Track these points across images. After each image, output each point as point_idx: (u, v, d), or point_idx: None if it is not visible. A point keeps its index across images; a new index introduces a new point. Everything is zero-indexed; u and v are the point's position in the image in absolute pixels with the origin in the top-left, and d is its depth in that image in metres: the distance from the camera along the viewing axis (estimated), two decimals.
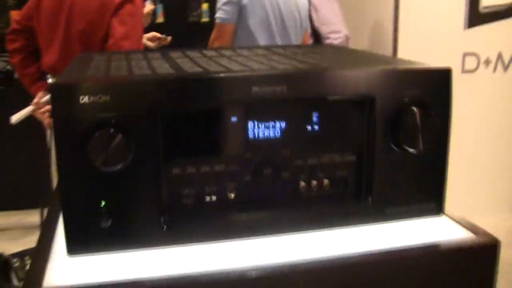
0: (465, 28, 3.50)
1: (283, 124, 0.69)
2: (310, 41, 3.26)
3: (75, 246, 0.66)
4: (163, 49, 2.28)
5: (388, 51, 3.40)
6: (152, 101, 0.64)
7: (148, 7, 2.94)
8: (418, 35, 3.38)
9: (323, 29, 3.25)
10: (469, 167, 3.66)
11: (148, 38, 2.92)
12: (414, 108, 0.70)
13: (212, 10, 2.78)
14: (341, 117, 0.72)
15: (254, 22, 2.66)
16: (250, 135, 0.69)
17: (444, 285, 0.72)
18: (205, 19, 3.92)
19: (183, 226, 0.69)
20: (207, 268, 0.65)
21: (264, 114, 0.68)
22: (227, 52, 0.92)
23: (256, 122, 0.68)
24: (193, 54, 0.90)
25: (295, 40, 2.83)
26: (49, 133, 2.55)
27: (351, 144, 0.72)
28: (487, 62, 3.58)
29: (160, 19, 3.87)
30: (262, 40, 2.69)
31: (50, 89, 0.62)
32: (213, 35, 2.73)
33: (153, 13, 3.79)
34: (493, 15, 3.54)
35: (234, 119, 0.68)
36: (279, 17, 2.72)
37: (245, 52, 0.93)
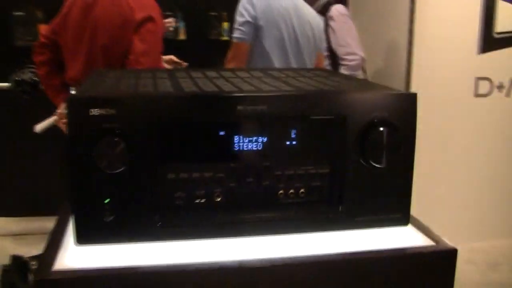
0: (478, 53, 3.55)
1: (265, 139, 0.80)
2: (325, 62, 3.35)
3: (82, 237, 0.77)
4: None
5: (402, 73, 3.47)
6: (151, 114, 0.75)
7: (170, 21, 3.05)
8: (432, 59, 3.44)
9: (340, 51, 3.35)
10: (481, 191, 3.71)
11: (166, 61, 3.01)
12: (381, 128, 0.80)
13: (232, 29, 2.89)
14: (316, 134, 0.82)
15: (269, 43, 2.75)
16: (236, 147, 0.79)
17: (404, 286, 0.82)
18: (225, 37, 4.02)
19: (175, 224, 0.79)
20: (193, 260, 0.76)
21: (248, 130, 0.79)
22: (226, 74, 1.03)
23: (241, 136, 0.79)
24: (196, 74, 1.02)
25: (309, 60, 2.91)
26: None
27: (325, 158, 0.82)
28: (500, 86, 3.63)
29: (182, 36, 3.99)
30: (276, 60, 2.77)
31: (66, 102, 0.73)
32: (230, 53, 2.82)
33: (175, 30, 3.94)
34: (507, 40, 3.59)
35: (222, 133, 0.79)
36: (293, 38, 2.81)
37: (242, 74, 1.04)
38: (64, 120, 2.38)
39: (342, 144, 0.81)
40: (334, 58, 3.39)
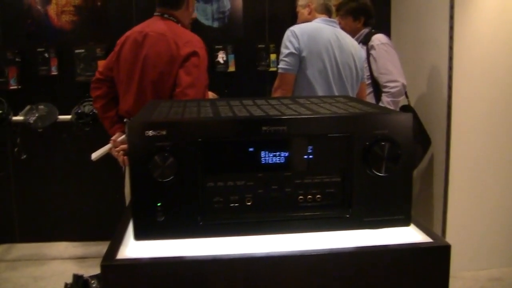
0: None
1: (286, 153, 0.98)
2: (368, 90, 3.46)
3: (139, 234, 0.97)
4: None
5: (444, 97, 3.55)
6: (195, 135, 0.94)
7: None
8: (472, 83, 3.51)
9: (382, 79, 3.45)
10: None
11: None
12: (383, 143, 0.97)
13: (278, 60, 3.02)
14: (329, 149, 0.99)
15: (312, 73, 2.87)
16: (262, 160, 0.98)
17: (405, 277, 0.97)
18: (273, 68, 4.18)
19: (214, 223, 0.98)
20: (228, 252, 0.94)
21: (272, 146, 0.97)
22: (259, 102, 1.22)
23: (266, 152, 0.97)
24: (234, 103, 1.21)
25: (351, 89, 3.02)
26: (124, 171, 2.76)
27: (336, 169, 1.00)
28: None
29: (232, 68, 4.19)
30: (320, 89, 2.89)
31: (126, 126, 0.93)
32: (276, 83, 2.95)
33: (225, 63, 4.15)
34: None
35: (251, 149, 0.97)
36: (335, 68, 2.92)
37: (273, 102, 1.22)
38: (117, 148, 2.53)
39: (350, 157, 0.98)
40: (376, 86, 3.51)
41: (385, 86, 3.43)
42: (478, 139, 3.56)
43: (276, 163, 0.98)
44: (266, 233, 0.99)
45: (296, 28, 2.92)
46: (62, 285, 2.91)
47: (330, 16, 3.06)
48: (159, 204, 0.95)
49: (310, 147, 0.98)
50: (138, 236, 0.96)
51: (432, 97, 3.81)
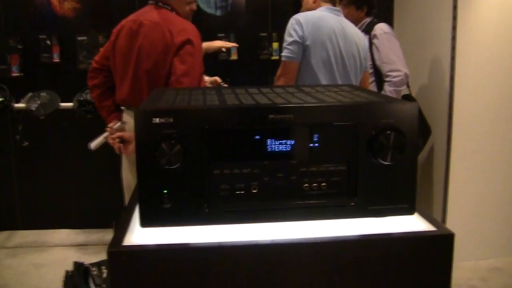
0: None
1: (292, 142, 0.98)
2: (371, 79, 3.46)
3: (146, 220, 0.97)
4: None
5: (446, 87, 3.56)
6: (201, 122, 0.95)
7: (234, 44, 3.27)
8: (474, 73, 3.51)
9: (384, 68, 3.46)
10: None
11: (210, 82, 3.19)
12: (388, 132, 0.97)
13: (282, 49, 3.01)
14: (334, 137, 1.00)
15: (316, 61, 2.86)
16: (268, 148, 0.98)
17: (410, 265, 0.98)
18: (275, 56, 4.18)
19: (219, 211, 0.98)
20: (233, 239, 0.95)
21: (278, 134, 0.98)
22: (264, 90, 1.22)
23: (272, 140, 0.98)
24: (239, 91, 1.21)
25: (355, 78, 3.02)
26: (122, 159, 2.78)
27: (342, 157, 1.00)
28: None
29: (234, 57, 4.19)
30: (323, 78, 2.89)
31: (135, 115, 0.93)
32: (279, 71, 2.95)
33: (228, 51, 4.15)
34: None
35: (257, 137, 0.98)
36: (339, 57, 2.92)
37: (278, 90, 1.22)
38: (114, 136, 2.57)
39: (356, 145, 0.99)
40: (378, 75, 3.51)
41: (387, 75, 3.43)
42: (479, 130, 3.57)
43: (282, 151, 0.98)
44: (271, 221, 1.00)
45: (300, 16, 2.91)
46: (63, 272, 2.93)
47: (334, 5, 3.04)
48: (165, 191, 0.96)
49: (316, 135, 0.98)
50: (144, 223, 0.97)
51: (434, 87, 3.81)
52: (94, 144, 2.62)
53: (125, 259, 0.91)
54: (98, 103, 2.78)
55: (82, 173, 4.23)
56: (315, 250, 0.96)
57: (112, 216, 3.32)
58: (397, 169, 0.99)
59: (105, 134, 2.64)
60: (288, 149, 0.98)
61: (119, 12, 3.90)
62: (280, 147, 0.98)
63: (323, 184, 1.00)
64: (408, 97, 3.65)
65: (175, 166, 0.94)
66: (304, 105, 0.98)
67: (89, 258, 3.49)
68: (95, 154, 2.81)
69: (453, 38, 3.45)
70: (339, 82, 2.94)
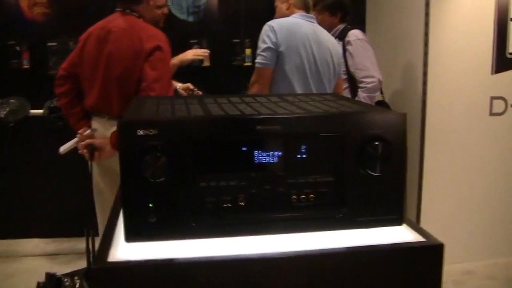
0: (492, 73, 3.65)
1: (279, 153, 0.96)
2: (344, 85, 3.47)
3: (131, 235, 0.94)
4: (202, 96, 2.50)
5: (419, 93, 3.59)
6: (186, 134, 0.92)
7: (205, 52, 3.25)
8: (447, 80, 3.56)
9: (358, 74, 3.48)
10: (499, 208, 3.78)
11: (183, 88, 3.16)
12: (376, 143, 0.96)
13: (254, 55, 3.00)
14: (322, 148, 0.98)
15: (290, 68, 2.88)
16: (256, 160, 0.96)
17: (399, 277, 0.97)
18: (248, 63, 4.18)
19: (206, 224, 0.96)
20: (220, 253, 0.93)
21: (266, 145, 0.96)
22: (247, 99, 1.20)
23: (260, 151, 0.96)
24: (221, 100, 1.19)
25: (328, 84, 3.03)
26: (90, 165, 2.70)
27: (330, 168, 0.99)
28: None
29: (206, 63, 4.16)
30: (297, 84, 2.90)
31: (119, 126, 0.91)
32: (253, 78, 2.95)
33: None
34: None
35: (244, 148, 0.96)
36: (313, 63, 2.93)
37: (261, 99, 1.21)
38: (83, 142, 2.49)
39: (344, 156, 0.97)
40: (352, 81, 3.52)
41: (361, 82, 3.45)
42: (452, 134, 3.61)
43: (269, 163, 0.96)
44: (259, 234, 0.98)
45: (274, 22, 2.91)
46: (35, 282, 2.85)
47: (308, 12, 3.06)
48: (150, 205, 0.93)
49: (303, 146, 0.97)
50: (130, 237, 0.94)
51: (407, 93, 3.84)
52: (63, 148, 2.60)
53: (111, 276, 0.88)
54: (66, 110, 2.77)
55: (51, 181, 4.14)
56: (304, 263, 0.94)
57: (83, 224, 3.25)
58: (385, 179, 0.98)
59: (76, 139, 2.58)
60: (276, 161, 0.97)
61: (90, 17, 3.85)
62: (267, 159, 0.96)
63: (311, 195, 0.99)
64: (381, 103, 3.68)
65: (160, 179, 0.91)
66: (292, 116, 0.97)
67: (61, 268, 3.41)
68: (65, 162, 2.77)
69: (426, 44, 3.49)
70: (313, 88, 2.96)
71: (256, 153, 0.96)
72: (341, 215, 0.99)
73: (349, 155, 0.97)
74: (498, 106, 3.70)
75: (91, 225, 2.69)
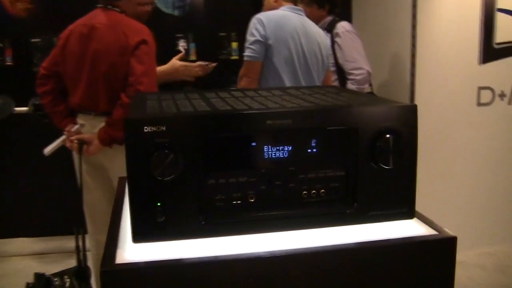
0: (479, 63, 3.66)
1: (290, 148, 0.94)
2: (333, 78, 3.47)
3: (139, 236, 0.91)
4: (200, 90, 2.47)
5: (406, 85, 3.59)
6: (195, 130, 0.89)
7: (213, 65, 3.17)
8: (435, 70, 3.56)
9: (347, 66, 3.47)
10: (486, 197, 3.81)
11: (194, 67, 3.09)
12: (388, 135, 0.94)
13: (241, 48, 2.97)
14: (333, 142, 0.96)
15: (279, 61, 2.86)
16: (266, 155, 0.94)
17: (413, 271, 0.96)
18: (234, 56, 4.15)
19: (216, 222, 0.93)
20: (232, 252, 0.90)
21: (276, 140, 0.93)
22: (250, 93, 1.18)
23: (270, 146, 0.93)
24: (224, 94, 1.16)
25: (317, 77, 3.03)
26: (76, 162, 2.69)
27: (341, 162, 0.97)
28: (502, 95, 3.74)
29: (193, 57, 4.12)
30: (286, 77, 2.89)
31: (125, 123, 0.88)
32: (242, 71, 2.93)
33: (186, 51, 4.07)
34: (506, 50, 3.71)
35: (254, 144, 0.93)
36: (302, 56, 2.93)
37: (264, 93, 1.18)
38: (72, 138, 2.53)
39: (355, 150, 0.95)
40: (341, 73, 3.52)
41: (350, 74, 3.44)
42: (441, 126, 3.61)
43: (279, 158, 0.94)
44: (269, 231, 0.96)
45: (262, 15, 2.90)
46: (24, 282, 2.82)
47: (295, 4, 3.04)
48: (158, 204, 0.90)
49: (314, 140, 0.95)
50: (137, 238, 0.91)
51: (395, 85, 3.85)
52: (48, 149, 2.58)
53: (121, 278, 0.86)
54: (50, 109, 2.72)
55: (37, 179, 4.08)
56: (316, 259, 0.92)
57: (70, 222, 3.21)
58: (396, 172, 0.96)
59: (62, 138, 2.61)
60: (286, 156, 0.94)
61: (74, 12, 3.79)
62: (277, 154, 0.94)
63: (322, 191, 0.97)
64: (370, 95, 3.67)
65: (169, 178, 0.89)
66: (303, 109, 0.94)
67: (50, 267, 3.36)
68: (51, 160, 2.73)
69: (413, 36, 3.49)
70: (302, 81, 2.96)
71: (266, 148, 0.93)
72: (352, 210, 0.97)
73: (361, 148, 0.95)
74: (486, 96, 3.71)
75: (80, 223, 2.67)
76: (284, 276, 0.91)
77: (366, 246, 0.94)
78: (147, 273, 0.87)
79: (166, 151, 0.88)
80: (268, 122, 0.91)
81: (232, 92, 1.20)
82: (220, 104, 1.02)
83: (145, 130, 0.88)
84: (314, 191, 0.96)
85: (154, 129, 0.88)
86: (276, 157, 0.94)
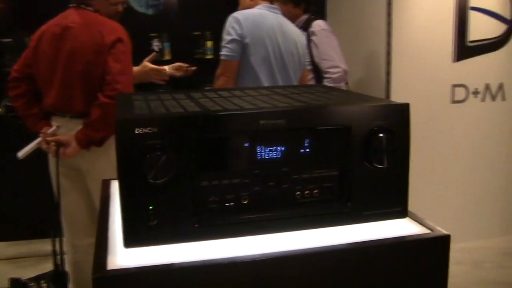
0: (453, 61, 3.72)
1: (283, 148, 0.93)
2: (310, 76, 3.47)
3: (130, 240, 0.89)
4: (183, 89, 2.44)
5: (382, 82, 3.62)
6: (188, 132, 0.87)
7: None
8: (410, 68, 3.60)
9: (323, 65, 3.47)
10: (463, 191, 3.85)
11: (174, 68, 3.08)
12: (381, 135, 0.94)
13: (216, 48, 2.95)
14: (326, 142, 0.95)
15: (255, 59, 2.85)
16: (258, 156, 0.92)
17: (407, 270, 0.95)
18: (209, 55, 4.13)
19: (209, 225, 0.91)
20: (225, 255, 0.89)
21: (269, 140, 0.92)
22: (237, 93, 1.16)
23: (262, 147, 0.92)
24: (211, 94, 1.15)
25: (294, 76, 3.02)
26: (52, 165, 2.66)
27: (334, 162, 0.96)
28: (476, 92, 3.79)
29: (167, 56, 4.10)
30: (263, 76, 2.88)
31: (116, 125, 0.85)
32: (219, 70, 2.91)
33: (161, 51, 4.03)
34: (479, 48, 3.76)
35: (246, 144, 0.92)
36: (278, 55, 2.92)
37: (252, 93, 1.17)
38: (50, 139, 2.47)
39: (348, 149, 0.94)
40: (317, 71, 3.52)
41: (327, 72, 3.45)
42: (416, 124, 3.64)
43: (272, 159, 0.93)
44: (263, 233, 0.94)
45: (238, 14, 2.89)
46: None
47: (271, 3, 3.03)
48: (150, 207, 0.88)
49: (307, 140, 0.93)
50: (129, 243, 0.89)
51: (370, 82, 3.87)
52: (22, 153, 2.53)
53: (113, 285, 0.83)
54: (23, 112, 2.67)
55: (10, 183, 4.00)
56: (310, 260, 0.91)
57: (45, 226, 3.15)
58: (390, 172, 0.96)
59: (37, 140, 2.54)
60: (279, 156, 0.93)
61: (46, 12, 3.72)
62: (270, 154, 0.92)
63: (316, 191, 0.95)
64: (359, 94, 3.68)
65: (161, 180, 0.86)
66: (296, 108, 0.93)
67: (24, 272, 3.30)
68: (24, 162, 2.67)
69: (388, 33, 3.51)
70: (279, 80, 2.95)
71: (258, 148, 0.92)
72: (346, 210, 0.96)
73: (354, 147, 0.94)
74: (460, 93, 3.76)
75: (56, 227, 2.62)
76: (279, 278, 0.90)
77: (360, 246, 0.94)
78: (140, 279, 0.85)
79: (159, 153, 0.85)
80: (262, 122, 0.90)
81: (219, 92, 1.19)
82: (209, 104, 1.00)
83: (136, 132, 0.85)
84: (307, 192, 0.95)
85: (146, 130, 0.85)
86: (269, 158, 0.92)
